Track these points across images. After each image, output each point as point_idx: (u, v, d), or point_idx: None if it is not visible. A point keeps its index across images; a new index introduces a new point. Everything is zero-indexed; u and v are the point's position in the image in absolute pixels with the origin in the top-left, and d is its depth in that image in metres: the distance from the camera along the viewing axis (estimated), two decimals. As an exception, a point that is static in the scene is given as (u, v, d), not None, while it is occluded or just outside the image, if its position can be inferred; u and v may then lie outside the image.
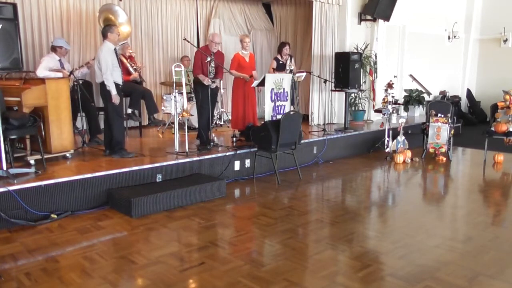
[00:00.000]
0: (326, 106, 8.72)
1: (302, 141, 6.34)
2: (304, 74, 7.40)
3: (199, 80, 6.04)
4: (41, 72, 5.57)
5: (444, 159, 7.11)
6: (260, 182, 5.89)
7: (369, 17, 8.80)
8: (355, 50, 8.54)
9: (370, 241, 3.87)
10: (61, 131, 5.28)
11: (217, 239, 3.90)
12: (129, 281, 3.13)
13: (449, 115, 7.14)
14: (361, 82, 8.45)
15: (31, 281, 3.08)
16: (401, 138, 7.22)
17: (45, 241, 3.80)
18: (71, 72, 5.94)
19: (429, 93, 9.67)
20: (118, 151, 5.52)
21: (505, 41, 11.43)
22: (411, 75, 9.65)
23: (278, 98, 6.35)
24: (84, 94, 5.96)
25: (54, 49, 5.97)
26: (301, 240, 3.88)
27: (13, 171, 4.54)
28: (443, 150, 7.15)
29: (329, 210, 4.73)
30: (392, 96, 7.33)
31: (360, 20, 8.89)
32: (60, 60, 5.98)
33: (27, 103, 5.00)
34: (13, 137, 4.71)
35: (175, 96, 5.80)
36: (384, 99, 7.27)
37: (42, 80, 5.19)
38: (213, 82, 6.22)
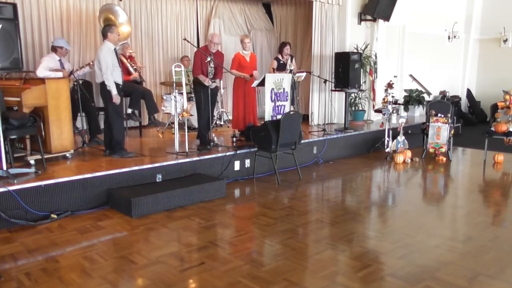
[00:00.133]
0: (326, 106, 8.71)
1: (302, 141, 6.34)
2: (304, 74, 7.41)
3: (198, 80, 6.05)
4: (41, 72, 5.56)
5: (444, 159, 7.11)
6: (260, 182, 5.89)
7: (369, 17, 8.80)
8: (355, 50, 8.54)
9: (370, 241, 3.87)
10: (61, 131, 5.28)
11: (217, 239, 3.90)
12: (129, 281, 3.13)
13: (449, 115, 7.14)
14: (361, 82, 8.45)
15: (31, 281, 3.08)
16: (401, 138, 7.22)
17: (45, 241, 3.80)
18: (71, 72, 5.95)
19: (429, 93, 9.67)
20: (118, 151, 5.52)
21: (505, 41, 11.43)
22: (411, 75, 9.65)
23: (278, 98, 6.35)
24: (84, 94, 5.96)
25: (54, 49, 5.96)
26: (301, 240, 3.88)
27: (13, 171, 4.54)
28: (443, 150, 7.15)
29: (329, 210, 4.73)
30: (392, 96, 7.33)
31: (360, 20, 8.89)
32: (60, 60, 5.97)
33: (27, 103, 5.00)
34: (13, 137, 4.71)
35: (175, 96, 5.80)
36: (384, 99, 7.27)
37: (42, 80, 5.19)
38: (213, 81, 6.22)
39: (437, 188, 5.87)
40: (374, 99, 9.08)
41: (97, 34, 7.48)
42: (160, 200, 4.63)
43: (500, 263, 3.36)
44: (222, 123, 8.41)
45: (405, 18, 9.69)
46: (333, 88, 8.25)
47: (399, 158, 6.99)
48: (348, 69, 7.90)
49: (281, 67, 7.30)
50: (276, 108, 6.32)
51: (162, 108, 7.62)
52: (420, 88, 9.84)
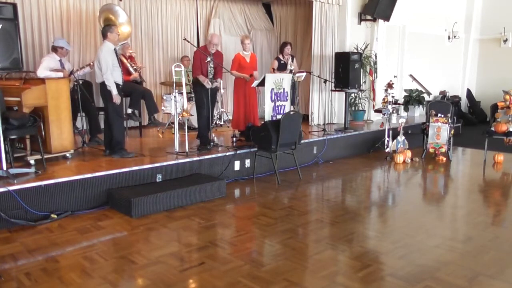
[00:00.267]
0: (326, 106, 8.72)
1: (302, 141, 6.34)
2: (304, 74, 7.41)
3: (198, 80, 6.04)
4: (41, 72, 5.57)
5: (444, 159, 7.11)
6: (260, 182, 5.89)
7: (369, 17, 8.81)
8: (355, 50, 8.54)
9: (370, 241, 3.87)
10: (61, 131, 5.28)
11: (217, 239, 3.90)
12: (129, 281, 3.13)
13: (449, 115, 7.14)
14: (361, 82, 8.45)
15: (31, 281, 3.08)
16: (401, 138, 7.22)
17: (45, 241, 3.80)
18: (72, 72, 5.95)
19: (429, 93, 9.67)
20: (118, 151, 5.52)
21: (505, 41, 11.44)
22: (411, 75, 9.65)
23: (278, 98, 6.35)
24: (84, 94, 5.96)
25: (54, 49, 5.96)
26: (301, 240, 3.88)
27: (13, 171, 4.54)
28: (443, 150, 7.15)
29: (329, 210, 4.73)
30: (392, 96, 7.33)
31: (360, 20, 8.89)
32: (60, 60, 5.97)
33: (27, 103, 5.00)
34: (13, 137, 4.71)
35: (175, 96, 5.80)
36: (384, 99, 7.27)
37: (42, 80, 5.19)
38: (215, 81, 6.22)
39: (437, 188, 5.87)
40: (374, 99, 9.08)
41: (97, 34, 7.48)
42: (160, 200, 4.63)
43: (500, 263, 3.36)
44: (222, 123, 8.41)
45: (405, 18, 9.69)
46: (333, 88, 8.25)
47: (399, 158, 6.99)
48: (348, 69, 7.91)
49: (282, 67, 7.30)
50: (276, 108, 6.32)
51: (162, 108, 7.62)
52: (420, 88, 9.84)
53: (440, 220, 4.50)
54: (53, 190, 4.37)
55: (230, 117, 8.23)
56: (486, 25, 11.78)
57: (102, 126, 6.06)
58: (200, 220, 4.38)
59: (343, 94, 8.16)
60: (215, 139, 6.44)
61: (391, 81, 7.36)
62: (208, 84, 5.97)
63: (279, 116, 6.10)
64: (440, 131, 7.12)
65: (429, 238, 3.87)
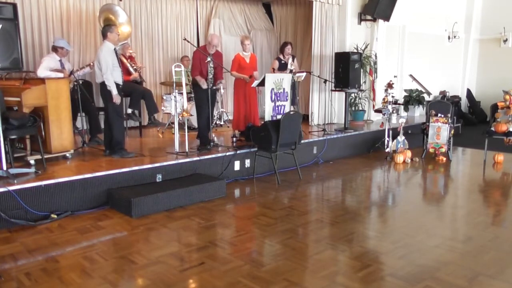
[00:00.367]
0: (326, 106, 8.72)
1: (302, 141, 6.34)
2: (304, 74, 7.41)
3: (201, 78, 6.03)
4: (42, 72, 5.57)
5: (444, 159, 7.11)
6: (260, 182, 5.89)
7: (369, 17, 8.81)
8: (355, 50, 8.54)
9: (370, 241, 3.87)
10: (61, 131, 5.28)
11: (217, 239, 3.90)
12: (129, 281, 3.13)
13: (449, 115, 7.14)
14: (361, 82, 8.45)
15: (31, 281, 3.08)
16: (401, 138, 7.22)
17: (45, 241, 3.80)
18: (72, 72, 5.95)
19: (429, 93, 9.67)
20: (118, 151, 5.52)
21: (505, 41, 11.44)
22: (411, 75, 9.65)
23: (278, 98, 6.35)
24: (84, 94, 5.96)
25: (55, 49, 5.97)
26: (301, 240, 3.88)
27: (13, 171, 4.54)
28: (443, 150, 7.15)
29: (329, 210, 4.73)
30: (392, 96, 7.33)
31: (360, 20, 8.89)
32: (60, 61, 5.98)
33: (27, 103, 5.00)
34: (13, 137, 4.71)
35: (175, 96, 5.80)
36: (384, 99, 7.27)
37: (42, 80, 5.19)
38: (219, 83, 6.26)
39: (437, 188, 5.87)
40: (374, 99, 9.08)
41: (97, 34, 7.48)
42: (160, 200, 4.63)
43: (500, 263, 3.36)
44: (222, 123, 8.41)
45: (405, 18, 9.69)
46: (333, 88, 8.25)
47: (399, 158, 6.99)
48: (348, 69, 7.91)
49: (283, 67, 7.31)
50: (276, 108, 6.32)
51: (162, 108, 7.62)
52: (420, 88, 9.84)
53: (440, 220, 4.50)
54: (53, 190, 4.37)
55: (230, 117, 8.24)
56: (486, 25, 11.78)
57: (102, 126, 6.06)
58: (200, 220, 4.38)
59: (343, 94, 8.16)
60: (215, 139, 6.44)
61: (391, 81, 7.36)
62: (204, 84, 5.97)
63: (279, 116, 6.10)
64: (440, 131, 7.12)
65: (429, 238, 3.87)
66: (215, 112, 7.87)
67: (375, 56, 8.94)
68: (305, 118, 8.41)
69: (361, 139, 7.81)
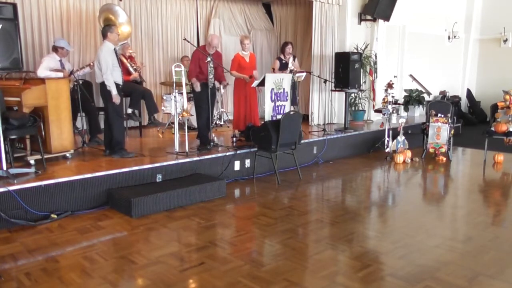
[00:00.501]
0: (326, 106, 8.71)
1: (302, 141, 6.34)
2: (304, 74, 7.41)
3: (197, 81, 6.03)
4: (42, 72, 5.57)
5: (444, 159, 7.11)
6: (260, 182, 5.89)
7: (369, 17, 8.81)
8: (355, 50, 8.54)
9: (370, 241, 3.87)
10: (61, 131, 5.28)
11: (217, 239, 3.90)
12: (129, 281, 3.13)
13: (449, 115, 7.14)
14: (361, 82, 8.45)
15: (31, 281, 3.08)
16: (401, 138, 7.22)
17: (45, 241, 3.80)
18: (72, 72, 5.95)
19: (429, 93, 9.68)
20: (118, 151, 5.52)
21: (505, 41, 11.43)
22: (411, 75, 9.65)
23: (278, 98, 6.35)
24: (84, 94, 5.96)
25: (55, 49, 5.96)
26: (301, 240, 3.88)
27: (13, 171, 4.54)
28: (443, 150, 7.15)
29: (329, 210, 4.73)
30: (392, 96, 7.33)
31: (360, 20, 8.89)
32: (60, 61, 5.97)
33: (27, 103, 5.00)
34: (13, 137, 4.71)
35: (175, 96, 5.80)
36: (384, 99, 7.27)
37: (42, 80, 5.19)
38: (227, 84, 6.27)
39: (437, 188, 5.87)
40: (374, 99, 9.08)
41: (97, 34, 7.48)
42: (160, 200, 4.63)
43: (500, 263, 3.36)
44: (222, 123, 8.41)
45: (405, 18, 9.68)
46: (333, 88, 8.25)
47: (399, 158, 6.99)
48: (348, 69, 7.90)
49: (284, 67, 7.31)
50: (276, 108, 6.32)
51: (162, 108, 7.62)
52: (420, 88, 9.84)
53: (440, 220, 4.50)
54: (53, 190, 4.37)
55: (230, 117, 8.23)
56: (486, 25, 11.78)
57: (102, 126, 6.06)
58: (200, 220, 4.38)
59: (343, 94, 8.16)
60: (215, 139, 6.44)
61: (391, 81, 7.36)
62: (197, 88, 5.99)
63: (279, 116, 6.10)
64: (440, 131, 7.12)
65: (429, 238, 3.87)
66: (215, 112, 7.87)
67: (375, 56, 8.94)
68: (305, 118, 8.41)
69: (361, 139, 7.81)
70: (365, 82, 8.83)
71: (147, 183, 5.04)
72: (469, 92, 12.05)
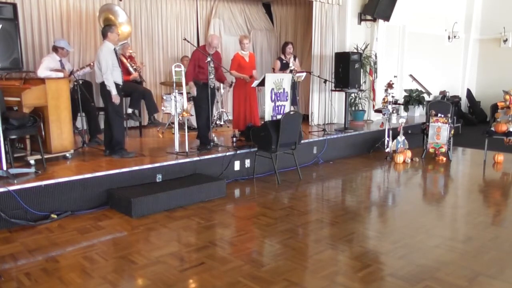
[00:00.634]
0: (326, 106, 8.71)
1: (302, 141, 6.34)
2: (304, 74, 7.41)
3: (197, 81, 6.03)
4: (42, 72, 5.57)
5: (444, 159, 7.11)
6: (260, 182, 5.89)
7: (369, 17, 8.81)
8: (355, 50, 8.54)
9: (370, 241, 3.87)
10: (61, 131, 5.28)
11: (217, 239, 3.90)
12: (129, 281, 3.13)
13: (449, 115, 7.14)
14: (361, 82, 8.45)
15: (31, 281, 3.08)
16: (401, 138, 7.22)
17: (45, 241, 3.80)
18: (72, 72, 5.95)
19: (429, 93, 9.67)
20: (118, 151, 5.52)
21: (505, 41, 11.43)
22: (411, 75, 9.65)
23: (278, 98, 6.35)
24: (84, 94, 5.96)
25: (55, 49, 5.96)
26: (301, 240, 3.88)
27: (13, 171, 4.54)
28: (443, 150, 7.15)
29: (329, 210, 4.73)
30: (392, 96, 7.33)
31: (360, 20, 8.89)
32: (60, 61, 5.97)
33: (27, 103, 5.00)
34: (13, 137, 4.71)
35: (175, 96, 5.80)
36: (384, 99, 7.27)
37: (42, 80, 5.19)
38: (232, 83, 6.26)
39: (437, 188, 5.87)
40: (374, 99, 9.08)
41: (97, 34, 7.47)
42: (160, 200, 4.63)
43: (500, 263, 3.36)
44: (222, 123, 8.41)
45: (405, 18, 9.68)
46: (333, 88, 8.25)
47: (399, 158, 6.99)
48: (348, 69, 7.90)
49: (285, 67, 7.31)
50: (276, 108, 6.32)
51: (162, 108, 7.61)
52: (420, 88, 9.84)
53: (440, 220, 4.50)
54: (53, 190, 4.37)
55: (230, 117, 8.23)
56: (486, 25, 11.77)
57: (102, 126, 6.06)
58: (200, 220, 4.38)
59: (343, 94, 8.16)
60: (215, 139, 6.44)
61: (391, 81, 7.36)
62: (193, 93, 5.99)
63: (279, 116, 6.10)
64: (440, 131, 7.12)
65: (429, 238, 3.87)
66: (215, 112, 7.87)
67: (375, 56, 8.94)
68: (305, 118, 8.41)
69: (361, 139, 7.81)
70: (365, 82, 8.83)
71: (147, 183, 5.04)
72: (469, 92, 12.04)
